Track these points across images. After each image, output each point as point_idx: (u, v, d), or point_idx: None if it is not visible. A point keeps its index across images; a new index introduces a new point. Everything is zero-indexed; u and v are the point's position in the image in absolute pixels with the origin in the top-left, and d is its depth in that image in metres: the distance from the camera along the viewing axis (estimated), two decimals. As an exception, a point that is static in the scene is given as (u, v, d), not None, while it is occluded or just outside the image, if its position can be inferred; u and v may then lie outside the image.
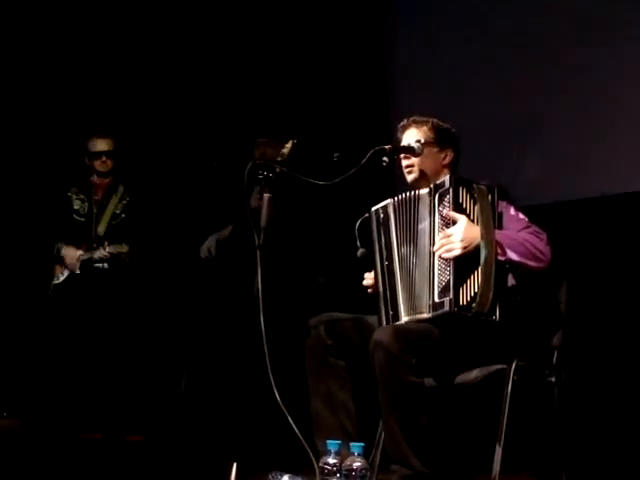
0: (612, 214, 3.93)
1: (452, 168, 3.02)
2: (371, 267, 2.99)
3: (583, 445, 3.40)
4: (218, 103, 4.99)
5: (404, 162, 3.02)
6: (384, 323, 2.85)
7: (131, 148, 4.79)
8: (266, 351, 2.69)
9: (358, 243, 2.97)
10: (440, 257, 2.69)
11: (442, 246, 2.68)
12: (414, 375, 2.61)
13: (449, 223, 2.71)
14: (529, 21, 4.39)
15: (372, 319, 2.94)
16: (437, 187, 2.78)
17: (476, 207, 2.71)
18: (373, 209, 2.98)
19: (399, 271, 2.85)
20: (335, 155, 2.86)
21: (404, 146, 3.00)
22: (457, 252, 2.64)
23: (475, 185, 2.74)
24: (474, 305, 2.63)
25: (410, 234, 2.83)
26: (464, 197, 2.72)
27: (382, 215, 2.94)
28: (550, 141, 4.25)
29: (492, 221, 2.70)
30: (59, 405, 4.33)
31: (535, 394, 2.90)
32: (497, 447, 2.65)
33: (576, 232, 3.91)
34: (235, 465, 2.71)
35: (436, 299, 2.69)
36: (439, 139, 3.01)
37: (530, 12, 4.38)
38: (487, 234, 2.65)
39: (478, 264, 2.65)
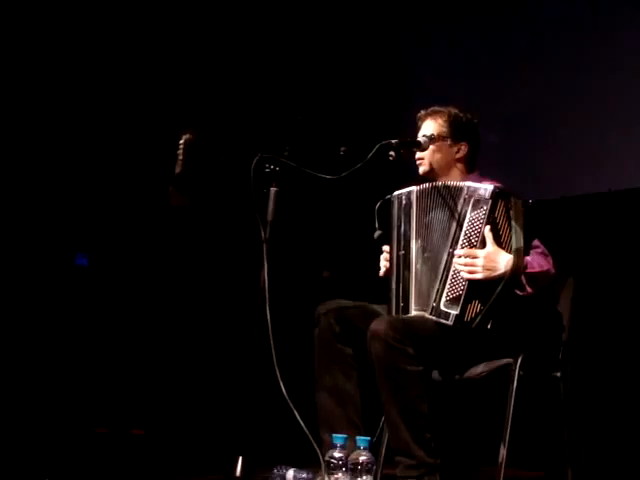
0: (619, 210, 3.92)
1: (466, 162, 2.98)
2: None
3: (588, 440, 3.40)
4: (224, 97, 4.99)
5: (416, 155, 2.99)
6: (393, 312, 2.83)
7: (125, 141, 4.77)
8: (272, 344, 2.70)
9: (377, 224, 2.90)
10: (456, 268, 2.67)
11: (465, 265, 2.64)
12: (412, 364, 2.59)
13: (477, 236, 2.66)
14: (545, 19, 4.38)
15: (378, 307, 2.93)
16: (475, 191, 2.70)
17: (510, 226, 2.64)
18: (396, 193, 2.93)
19: (414, 264, 2.81)
20: (342, 149, 2.85)
21: (410, 141, 2.97)
22: (478, 276, 2.62)
23: (513, 200, 2.65)
24: (475, 322, 2.62)
25: (431, 228, 2.79)
26: (500, 212, 2.65)
27: (405, 202, 2.89)
28: (558, 136, 4.25)
29: (522, 242, 2.64)
30: (63, 400, 4.33)
31: (541, 389, 2.89)
32: (502, 441, 2.65)
33: (582, 228, 3.91)
34: (241, 458, 2.71)
35: (442, 306, 2.68)
36: (453, 132, 2.96)
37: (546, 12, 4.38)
38: (513, 266, 2.61)
39: (494, 289, 2.62)
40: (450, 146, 2.96)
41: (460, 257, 2.66)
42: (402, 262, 2.86)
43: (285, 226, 2.90)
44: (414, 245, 2.84)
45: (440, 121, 2.97)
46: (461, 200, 2.72)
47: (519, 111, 4.41)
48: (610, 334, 3.83)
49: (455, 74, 4.72)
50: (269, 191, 2.84)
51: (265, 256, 2.77)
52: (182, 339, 4.29)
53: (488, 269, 2.61)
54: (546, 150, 4.28)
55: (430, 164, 2.96)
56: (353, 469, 2.45)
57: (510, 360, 2.70)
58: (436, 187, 2.82)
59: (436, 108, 3.01)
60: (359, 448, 2.48)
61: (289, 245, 3.70)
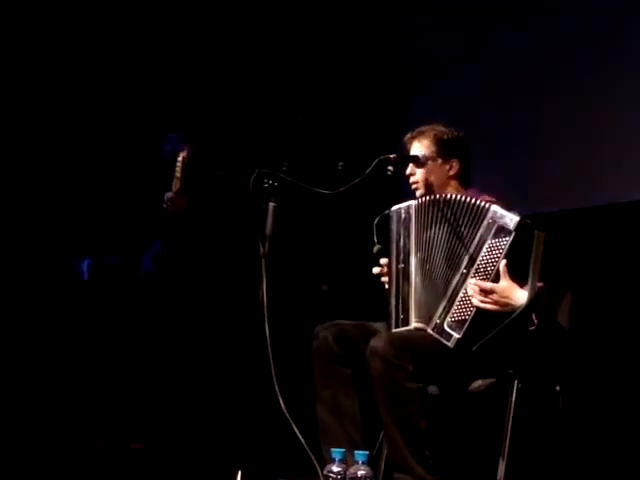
0: (618, 223, 3.92)
1: (461, 178, 2.99)
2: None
3: (587, 454, 3.39)
4: (222, 112, 5.00)
5: (410, 179, 3.00)
6: (393, 326, 2.83)
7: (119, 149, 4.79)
8: (270, 359, 2.70)
9: (375, 239, 2.91)
10: (467, 294, 2.64)
11: (479, 294, 2.61)
12: (412, 380, 2.59)
13: (494, 265, 2.61)
14: (542, 31, 4.39)
15: (377, 325, 2.93)
16: (500, 217, 2.63)
17: (529, 259, 2.57)
18: (394, 208, 2.92)
19: (414, 277, 2.81)
20: (340, 164, 2.86)
21: (409, 155, 2.99)
22: (488, 307, 2.59)
23: (537, 233, 2.58)
24: (474, 346, 2.62)
25: (436, 242, 2.78)
26: (522, 244, 2.58)
27: (404, 216, 2.88)
28: (556, 149, 4.25)
29: (537, 277, 2.59)
30: (63, 414, 4.33)
31: (539, 402, 2.90)
32: (501, 456, 2.65)
33: (581, 241, 3.91)
34: (240, 472, 2.71)
35: (445, 326, 2.67)
36: (441, 151, 2.96)
37: (542, 25, 4.40)
38: (527, 303, 2.57)
39: (501, 320, 2.60)
40: (441, 165, 2.97)
41: (475, 285, 2.62)
42: (401, 275, 2.85)
43: (284, 241, 2.91)
44: (413, 258, 2.83)
45: (426, 142, 2.97)
46: (484, 223, 2.66)
47: (517, 124, 4.42)
48: (609, 347, 3.83)
49: (454, 87, 4.73)
50: (267, 206, 2.85)
51: (264, 271, 2.77)
52: (181, 352, 4.29)
53: (501, 305, 2.59)
54: (545, 163, 4.28)
55: (425, 186, 2.96)
56: (352, 483, 2.45)
57: (508, 374, 2.69)
58: (437, 201, 2.81)
59: (421, 129, 3.01)
60: (358, 462, 2.47)
61: (288, 260, 3.70)
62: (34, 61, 4.86)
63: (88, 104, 4.95)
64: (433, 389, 2.77)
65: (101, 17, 5.00)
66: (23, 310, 4.71)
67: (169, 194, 4.22)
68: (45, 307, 4.55)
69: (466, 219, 2.72)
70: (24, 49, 4.84)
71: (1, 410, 4.28)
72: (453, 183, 2.98)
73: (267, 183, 2.84)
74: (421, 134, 3.00)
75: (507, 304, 2.58)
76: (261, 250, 2.80)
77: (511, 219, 2.60)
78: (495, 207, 2.67)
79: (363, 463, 2.47)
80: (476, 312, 2.61)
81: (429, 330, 2.71)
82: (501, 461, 2.65)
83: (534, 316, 2.63)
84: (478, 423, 3.40)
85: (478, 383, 2.74)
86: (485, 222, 2.66)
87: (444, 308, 2.70)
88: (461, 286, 2.68)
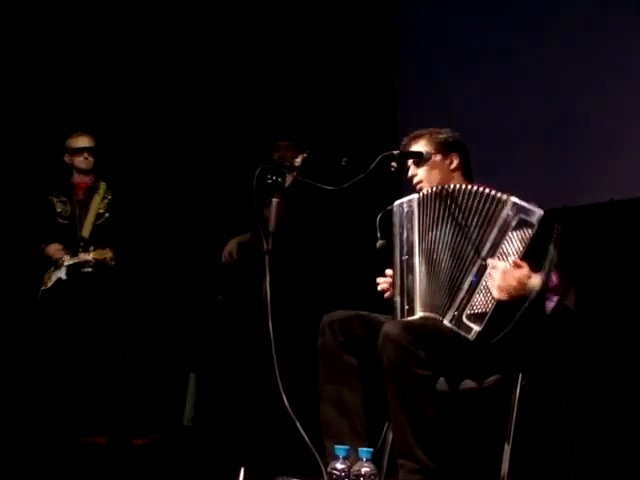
0: (621, 220, 3.92)
1: (463, 171, 3.01)
2: (387, 261, 2.95)
3: (591, 450, 3.39)
4: (225, 107, 5.00)
5: (413, 181, 3.01)
6: (399, 316, 2.83)
7: (112, 146, 4.74)
8: (274, 355, 2.70)
9: (378, 235, 2.90)
10: (487, 285, 2.64)
11: (500, 279, 2.60)
12: (423, 368, 2.59)
13: (515, 256, 2.62)
14: (545, 28, 4.39)
15: (382, 317, 2.91)
16: (523, 210, 2.64)
17: (547, 249, 2.61)
18: (397, 202, 2.94)
19: (419, 267, 2.81)
20: (343, 160, 2.86)
21: (412, 151, 3.00)
22: (506, 297, 2.59)
23: (556, 226, 2.63)
24: (494, 339, 2.61)
25: (444, 233, 2.77)
26: (542, 237, 2.61)
27: (406, 209, 2.90)
28: (559, 146, 4.25)
29: (553, 267, 2.63)
30: (60, 409, 4.31)
31: (543, 400, 2.89)
32: (505, 451, 2.65)
33: (584, 238, 3.90)
34: (243, 469, 2.71)
35: (464, 318, 2.66)
36: (440, 147, 2.99)
37: (545, 19, 4.39)
38: (542, 288, 2.60)
39: (519, 308, 2.60)
40: (442, 160, 2.99)
41: (496, 273, 2.62)
42: (406, 267, 2.86)
43: (287, 237, 2.91)
44: (417, 250, 2.84)
45: (423, 142, 3.00)
46: (503, 214, 2.67)
47: (520, 122, 4.41)
48: (613, 345, 3.82)
49: (457, 85, 4.74)
50: (271, 202, 2.85)
51: (267, 267, 2.77)
52: (184, 349, 4.29)
53: (519, 290, 2.59)
54: (548, 160, 4.29)
55: (429, 182, 2.96)
56: (356, 480, 2.44)
57: (513, 370, 2.69)
58: (440, 192, 2.82)
59: (416, 132, 3.05)
60: (362, 459, 2.47)
61: (292, 255, 3.70)
62: (12, 48, 4.84)
63: (70, 102, 4.95)
64: (440, 384, 2.76)
65: (104, 17, 5.02)
66: (9, 307, 4.69)
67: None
68: (31, 304, 4.52)
69: (480, 209, 2.72)
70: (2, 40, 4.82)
71: (2, 406, 4.29)
72: (456, 176, 2.99)
73: (271, 179, 2.84)
74: (417, 136, 3.04)
75: (524, 290, 2.59)
76: (265, 246, 2.79)
77: (534, 212, 2.63)
78: (514, 198, 2.69)
79: (367, 460, 2.47)
80: (495, 305, 2.61)
81: (445, 322, 2.71)
82: (505, 457, 2.64)
83: (546, 306, 2.64)
84: (482, 420, 3.40)
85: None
86: (505, 213, 2.67)
87: (462, 300, 2.69)
88: (481, 277, 2.68)
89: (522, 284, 2.59)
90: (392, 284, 2.92)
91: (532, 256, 2.62)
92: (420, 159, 2.97)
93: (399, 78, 5.12)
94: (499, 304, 2.61)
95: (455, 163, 3.00)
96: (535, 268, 2.61)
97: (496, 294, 2.62)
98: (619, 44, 4.10)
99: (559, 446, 2.83)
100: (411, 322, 2.73)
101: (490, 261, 2.65)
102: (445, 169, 2.99)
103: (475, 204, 2.74)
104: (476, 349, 2.67)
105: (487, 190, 2.74)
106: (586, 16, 4.23)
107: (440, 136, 3.01)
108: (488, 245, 2.69)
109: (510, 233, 2.65)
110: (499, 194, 2.71)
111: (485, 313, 2.63)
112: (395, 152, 2.90)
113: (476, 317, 2.64)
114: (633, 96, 4.02)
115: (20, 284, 4.64)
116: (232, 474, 2.72)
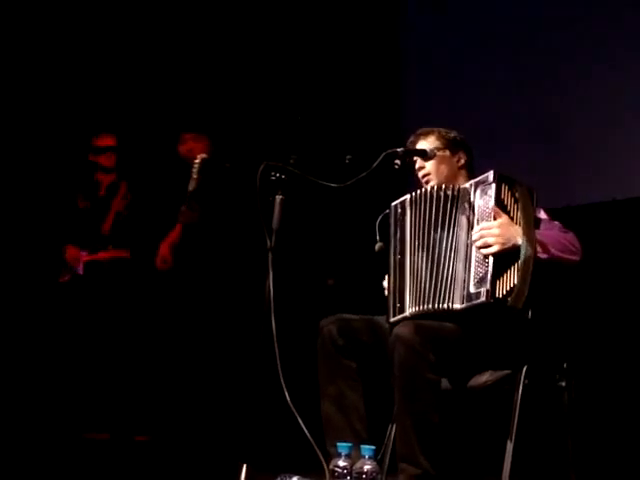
0: (623, 219, 3.92)
1: (469, 169, 3.04)
2: (386, 264, 2.97)
3: (593, 449, 3.39)
4: (228, 105, 5.00)
5: (420, 173, 3.04)
6: (391, 315, 2.85)
7: (134, 146, 4.79)
8: (276, 352, 2.70)
9: (377, 237, 2.94)
10: (478, 250, 2.68)
11: (481, 237, 2.66)
12: (432, 372, 2.61)
13: (489, 218, 2.69)
14: (545, 20, 4.39)
15: (382, 319, 2.93)
16: (479, 183, 2.76)
17: (517, 206, 2.69)
18: (392, 204, 2.97)
19: (409, 264, 2.84)
20: (347, 157, 2.87)
21: (416, 149, 3.01)
22: (495, 248, 2.63)
23: (517, 184, 2.72)
24: (509, 299, 2.60)
25: (432, 227, 2.81)
26: (506, 194, 2.70)
27: (399, 210, 2.93)
28: (561, 145, 4.25)
29: (533, 221, 2.70)
30: (65, 405, 4.33)
31: (545, 398, 2.89)
32: (507, 450, 2.65)
33: (586, 237, 3.90)
34: (245, 466, 2.71)
35: (471, 289, 2.67)
36: (449, 145, 3.03)
37: (547, 12, 4.39)
38: (529, 232, 2.64)
39: (517, 260, 2.62)
40: (450, 157, 3.03)
41: (476, 234, 2.68)
42: (398, 266, 2.89)
43: (290, 234, 2.91)
44: (408, 247, 2.87)
45: (432, 138, 3.04)
46: (470, 195, 2.76)
47: (521, 121, 4.41)
48: (615, 343, 3.82)
49: (457, 84, 4.74)
50: (274, 199, 2.85)
51: (270, 264, 2.77)
52: (187, 346, 4.29)
53: (502, 236, 2.63)
54: (549, 159, 4.28)
55: (438, 177, 3.00)
56: (358, 478, 2.44)
57: (515, 369, 2.69)
58: (430, 189, 2.85)
59: (424, 129, 3.08)
60: (364, 457, 2.47)
61: (294, 253, 3.70)
62: (34, 48, 4.88)
63: (94, 103, 4.97)
64: (444, 383, 2.76)
65: (107, 17, 5.02)
66: (25, 302, 4.72)
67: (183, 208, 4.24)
68: (46, 299, 4.56)
69: (455, 198, 2.80)
70: (24, 41, 4.85)
71: (6, 402, 4.29)
72: (463, 172, 3.04)
73: (274, 176, 2.84)
74: (426, 133, 3.07)
75: (508, 236, 2.63)
76: (268, 243, 2.79)
77: (487, 175, 2.73)
78: (472, 180, 2.80)
79: (369, 458, 2.47)
80: (493, 264, 2.63)
81: (457, 306, 2.70)
82: (507, 457, 2.64)
83: (547, 245, 2.68)
84: (484, 418, 3.40)
85: (484, 378, 2.74)
86: (471, 191, 2.77)
87: (464, 280, 2.70)
88: (471, 254, 2.70)
89: (505, 229, 2.63)
90: (388, 282, 2.94)
91: (506, 211, 2.68)
92: (425, 156, 2.99)
93: (403, 76, 5.11)
94: (496, 261, 2.62)
95: (462, 161, 3.04)
96: (515, 222, 2.68)
97: (485, 251, 2.65)
98: (620, 43, 4.09)
99: (560, 446, 2.83)
100: (423, 323, 2.73)
101: (473, 234, 2.70)
102: (453, 165, 3.03)
103: (450, 196, 2.80)
104: (480, 343, 2.68)
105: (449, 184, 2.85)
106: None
107: (450, 134, 3.06)
108: (467, 224, 2.75)
109: (478, 202, 2.73)
110: (466, 184, 2.82)
111: (486, 273, 2.64)
112: (399, 149, 2.92)
113: (480, 281, 2.65)
114: (637, 95, 4.01)
115: (38, 279, 4.69)
116: (234, 471, 2.72)
